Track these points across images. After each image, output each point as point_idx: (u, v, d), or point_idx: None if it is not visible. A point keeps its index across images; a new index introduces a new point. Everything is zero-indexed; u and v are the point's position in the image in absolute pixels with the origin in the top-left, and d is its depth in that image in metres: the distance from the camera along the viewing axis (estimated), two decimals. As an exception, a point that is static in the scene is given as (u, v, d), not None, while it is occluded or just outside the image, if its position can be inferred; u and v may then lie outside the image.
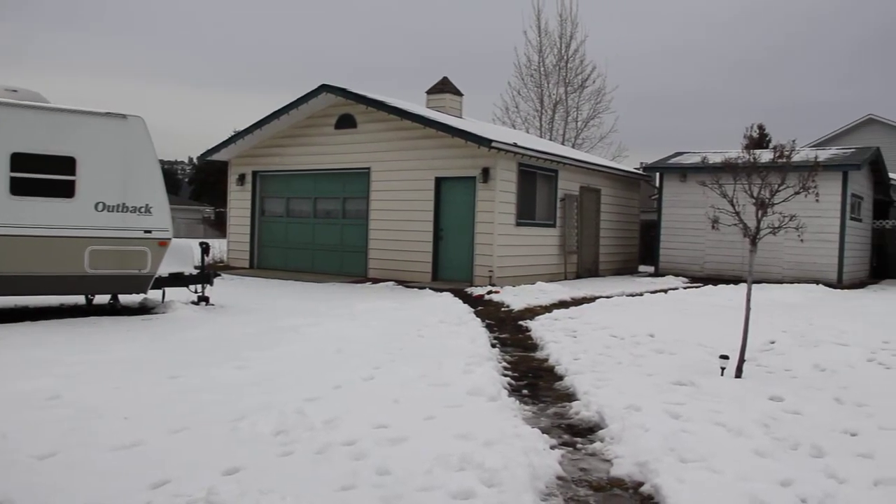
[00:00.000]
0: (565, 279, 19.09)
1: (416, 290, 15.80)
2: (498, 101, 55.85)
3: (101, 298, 11.59)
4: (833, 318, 11.78)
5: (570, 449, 5.38)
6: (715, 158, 9.40)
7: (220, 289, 13.24)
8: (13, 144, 9.87)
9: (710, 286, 17.43)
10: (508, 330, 10.94)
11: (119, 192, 10.51)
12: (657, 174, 23.12)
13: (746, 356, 7.64)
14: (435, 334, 9.78)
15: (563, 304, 13.67)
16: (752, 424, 5.71)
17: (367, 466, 4.59)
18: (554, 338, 9.80)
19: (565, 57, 34.15)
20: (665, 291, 16.40)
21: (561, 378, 7.66)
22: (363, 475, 4.45)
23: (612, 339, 9.67)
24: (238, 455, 4.73)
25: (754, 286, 8.47)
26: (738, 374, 7.44)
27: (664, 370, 7.70)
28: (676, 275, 21.20)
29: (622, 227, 23.25)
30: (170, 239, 10.98)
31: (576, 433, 5.81)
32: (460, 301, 13.71)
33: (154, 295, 11.73)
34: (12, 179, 9.84)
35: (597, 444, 5.45)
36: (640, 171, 24.98)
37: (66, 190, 10.21)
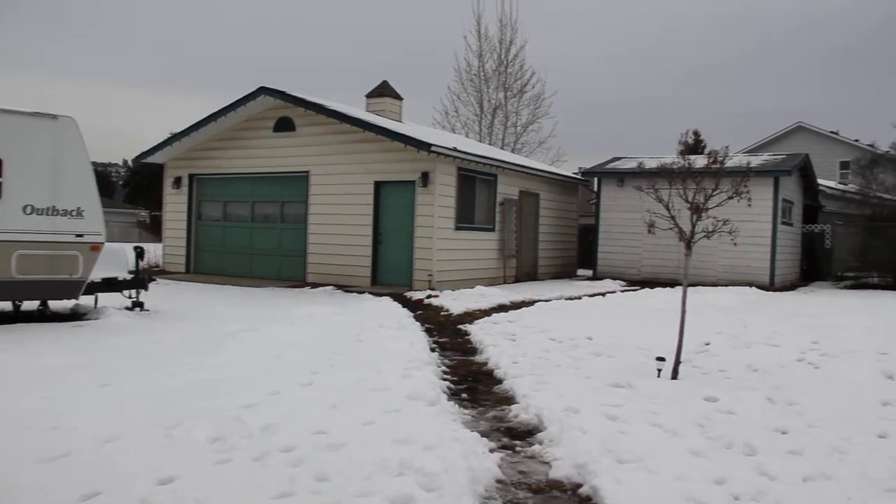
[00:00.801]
0: (505, 283, 19.19)
1: (355, 294, 15.72)
2: (438, 106, 55.90)
3: (30, 304, 11.25)
4: (765, 319, 12.05)
5: (510, 452, 5.39)
6: (651, 164, 9.51)
7: (155, 294, 12.98)
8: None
9: (647, 289, 17.69)
10: (448, 334, 10.95)
11: (49, 194, 10.21)
12: (595, 179, 23.38)
13: (682, 358, 7.76)
14: (374, 339, 9.74)
15: (502, 308, 13.74)
16: (687, 425, 5.80)
17: (305, 473, 4.54)
18: (493, 341, 9.83)
19: (505, 62, 34.41)
20: (603, 295, 16.59)
21: (500, 381, 7.69)
22: (301, 482, 4.40)
23: (550, 343, 9.74)
24: (173, 464, 4.63)
25: (690, 289, 8.62)
26: (675, 375, 7.56)
27: (602, 372, 7.78)
28: (614, 278, 21.48)
29: (561, 232, 23.47)
30: (102, 243, 10.72)
31: (515, 436, 5.84)
32: (400, 305, 13.68)
33: (86, 301, 11.44)
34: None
35: (536, 447, 5.47)
36: (579, 176, 25.26)
37: (-8, 192, 9.89)
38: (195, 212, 20.75)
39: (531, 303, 14.60)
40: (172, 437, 5.14)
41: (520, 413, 6.37)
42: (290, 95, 17.97)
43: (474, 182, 18.30)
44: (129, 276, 11.66)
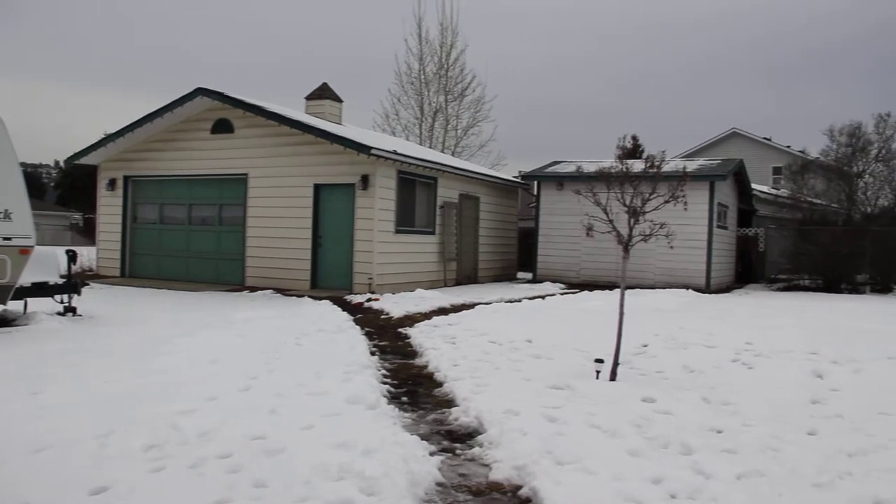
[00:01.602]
0: (445, 286, 19.20)
1: (294, 298, 15.58)
2: (378, 109, 55.68)
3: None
4: (701, 321, 12.27)
5: (450, 455, 5.39)
6: (590, 168, 9.61)
7: (88, 299, 12.67)
8: None
9: (586, 292, 17.88)
10: (388, 337, 10.91)
11: (-25, 196, 9.90)
12: (535, 183, 23.53)
13: (620, 359, 7.86)
14: (313, 343, 9.66)
15: (442, 311, 13.74)
16: (625, 425, 5.88)
17: (243, 479, 4.47)
18: (433, 344, 9.83)
19: (446, 65, 34.49)
20: (543, 297, 16.71)
21: (440, 384, 7.69)
22: (239, 488, 4.34)
23: (490, 345, 9.77)
24: (106, 473, 4.52)
25: (628, 291, 8.73)
26: (613, 376, 7.64)
27: (542, 375, 7.84)
28: (554, 281, 21.64)
29: (501, 235, 23.60)
30: (32, 246, 10.43)
31: (455, 439, 5.84)
32: (339, 309, 13.60)
33: (15, 306, 11.11)
34: None
35: (476, 450, 5.48)
36: (519, 180, 25.42)
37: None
38: (130, 214, 20.31)
39: (471, 306, 14.63)
40: (106, 446, 5.02)
41: (460, 416, 6.38)
42: (228, 97, 17.74)
43: (414, 185, 18.29)
44: (60, 281, 11.37)
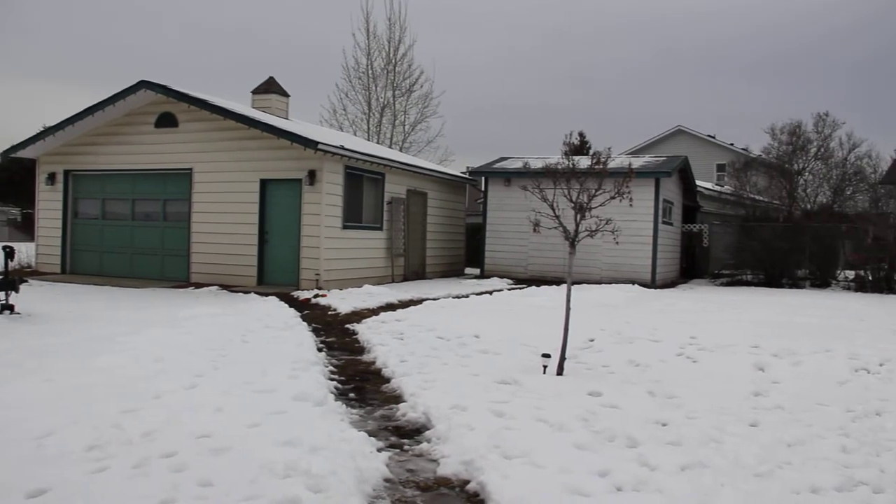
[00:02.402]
0: (393, 282, 19.17)
1: (241, 294, 15.41)
2: (326, 103, 55.17)
3: None
4: (647, 316, 12.45)
5: (398, 451, 5.40)
6: (537, 164, 9.69)
7: (27, 296, 12.38)
8: None
9: (533, 287, 17.99)
10: (335, 334, 10.86)
11: None
12: (483, 178, 23.60)
13: (567, 354, 7.93)
14: (260, 340, 9.57)
15: (390, 307, 13.72)
16: (572, 419, 5.94)
17: (188, 479, 4.41)
18: (381, 340, 9.81)
19: (394, 61, 34.34)
20: (490, 293, 16.79)
21: (388, 380, 7.68)
22: (184, 488, 4.28)
23: (438, 341, 9.79)
24: (45, 475, 4.41)
25: (575, 286, 8.82)
26: (560, 371, 7.71)
27: (489, 370, 7.87)
28: (502, 276, 21.74)
29: (449, 230, 23.62)
30: (-32, 243, 10.15)
31: (403, 435, 5.84)
32: (286, 305, 13.49)
33: (-50, 303, 10.81)
34: None
35: (423, 445, 5.50)
36: (467, 176, 25.46)
37: None
38: (71, 209, 19.86)
39: (419, 301, 14.64)
40: (45, 447, 4.91)
41: (407, 412, 6.38)
42: (172, 90, 17.44)
43: (362, 181, 18.21)
44: (-3, 278, 11.09)
